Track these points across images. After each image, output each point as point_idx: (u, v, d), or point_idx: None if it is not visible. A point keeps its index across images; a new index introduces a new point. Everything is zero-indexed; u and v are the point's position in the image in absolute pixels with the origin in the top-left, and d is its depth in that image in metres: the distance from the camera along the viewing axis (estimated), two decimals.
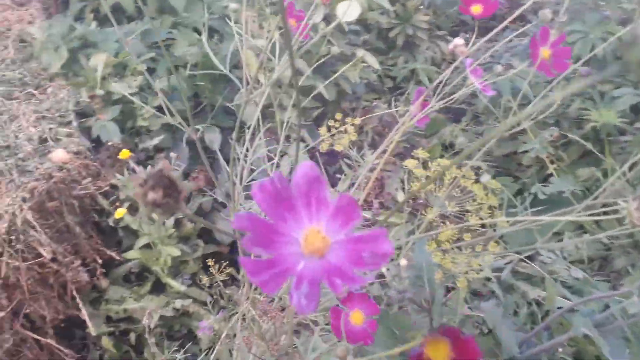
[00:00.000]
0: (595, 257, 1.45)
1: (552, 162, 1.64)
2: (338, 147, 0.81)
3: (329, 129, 0.84)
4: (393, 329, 0.65)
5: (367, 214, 1.51)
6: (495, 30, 0.68)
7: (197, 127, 1.75)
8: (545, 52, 0.72)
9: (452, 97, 0.74)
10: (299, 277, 0.31)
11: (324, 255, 0.32)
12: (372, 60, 1.73)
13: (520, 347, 0.68)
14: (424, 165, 0.74)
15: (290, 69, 0.39)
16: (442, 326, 0.45)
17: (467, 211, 0.67)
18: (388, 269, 0.58)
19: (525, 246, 1.51)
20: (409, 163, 0.75)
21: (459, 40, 0.77)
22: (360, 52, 1.83)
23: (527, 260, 1.40)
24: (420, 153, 0.75)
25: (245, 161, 0.86)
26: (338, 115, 0.83)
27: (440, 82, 0.81)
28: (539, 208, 0.99)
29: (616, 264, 1.41)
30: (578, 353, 1.00)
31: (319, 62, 1.42)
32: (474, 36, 0.79)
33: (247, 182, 0.92)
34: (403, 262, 0.57)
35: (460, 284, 0.62)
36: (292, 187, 0.33)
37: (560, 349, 0.78)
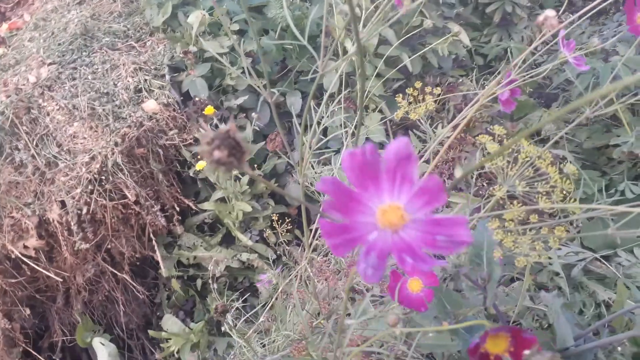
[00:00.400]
0: None
1: None
2: (413, 116, 0.79)
3: (406, 97, 0.83)
4: (445, 303, 0.65)
5: None
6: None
7: (277, 90, 1.78)
8: None
9: (535, 72, 0.70)
10: (368, 247, 0.32)
11: (397, 231, 0.33)
12: (464, 36, 1.67)
13: (577, 341, 0.66)
14: (500, 142, 0.72)
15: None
16: (505, 325, 0.45)
17: (538, 193, 0.64)
18: None
19: (604, 247, 1.43)
20: (483, 138, 0.72)
21: (550, 12, 0.72)
22: (456, 27, 1.77)
23: (602, 260, 1.32)
24: (497, 129, 0.72)
25: (318, 126, 0.87)
26: (417, 84, 0.81)
27: (531, 61, 0.77)
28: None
29: None
30: (635, 354, 0.94)
31: (408, 34, 1.39)
32: (579, 17, 0.73)
33: (316, 149, 0.93)
34: None
35: (519, 264, 0.60)
36: (382, 161, 0.33)
37: (619, 348, 0.74)
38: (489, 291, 0.60)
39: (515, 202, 0.66)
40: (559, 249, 1.44)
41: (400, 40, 1.27)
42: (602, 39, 1.87)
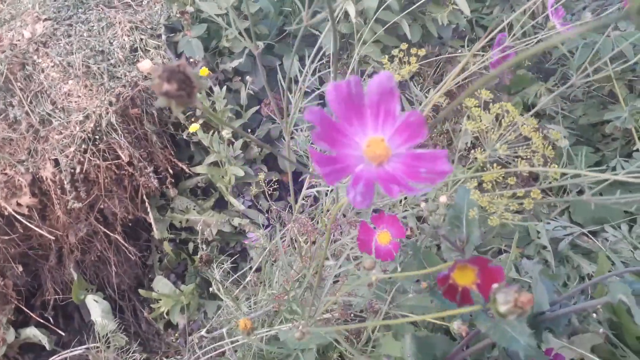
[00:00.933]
0: None
1: None
2: (397, 77, 0.79)
3: (392, 58, 0.83)
4: (425, 265, 0.66)
5: None
6: None
7: (274, 52, 1.76)
8: None
9: (526, 39, 0.70)
10: (356, 177, 0.33)
11: (382, 163, 0.34)
12: (463, 4, 1.64)
13: (553, 306, 0.67)
14: (486, 106, 0.72)
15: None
16: (472, 256, 0.46)
17: (519, 157, 0.64)
18: (426, 203, 0.58)
19: (591, 223, 1.45)
20: (469, 101, 0.72)
21: None
22: None
23: (589, 235, 1.34)
24: (484, 94, 0.72)
25: (304, 88, 0.87)
26: (403, 45, 0.81)
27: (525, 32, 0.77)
28: (623, 196, 0.94)
29: None
30: (615, 326, 0.97)
31: (409, 1, 1.37)
32: None
33: (302, 106, 0.93)
34: (443, 198, 0.58)
35: (492, 223, 0.61)
36: (365, 95, 0.34)
37: (594, 314, 0.76)
38: (466, 252, 0.61)
39: (495, 166, 0.66)
40: (548, 223, 1.46)
41: (401, 8, 1.25)
42: (604, 14, 1.85)
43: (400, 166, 0.33)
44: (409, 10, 1.67)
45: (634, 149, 1.55)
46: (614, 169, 1.45)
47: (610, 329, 1.01)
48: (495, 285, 0.36)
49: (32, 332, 1.37)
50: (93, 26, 1.71)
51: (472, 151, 0.68)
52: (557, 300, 0.69)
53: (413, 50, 0.84)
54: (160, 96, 0.28)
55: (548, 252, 1.31)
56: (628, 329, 1.01)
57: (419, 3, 1.54)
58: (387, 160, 0.33)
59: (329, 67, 1.03)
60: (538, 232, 1.37)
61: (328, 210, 0.74)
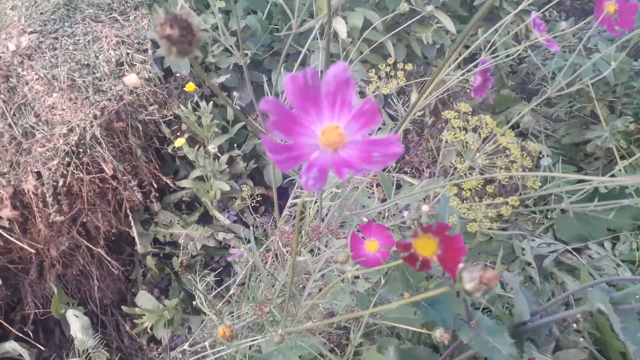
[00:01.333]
0: None
1: (622, 158, 1.54)
2: (384, 91, 0.80)
3: (379, 73, 0.84)
4: (408, 276, 0.66)
5: (415, 181, 1.50)
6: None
7: (262, 67, 1.77)
8: (610, 6, 0.68)
9: (499, 54, 0.71)
10: (310, 164, 0.34)
11: (337, 150, 0.35)
12: (448, 22, 1.67)
13: (534, 317, 0.68)
14: (465, 119, 0.73)
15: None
16: (432, 225, 0.46)
17: (498, 167, 0.65)
18: (409, 212, 0.58)
19: (575, 240, 1.46)
20: (449, 114, 0.73)
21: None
22: (442, 16, 1.77)
23: (573, 252, 1.35)
24: (462, 106, 0.73)
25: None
26: (390, 60, 0.82)
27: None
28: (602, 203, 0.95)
29: None
30: (599, 342, 0.97)
31: (395, 22, 1.39)
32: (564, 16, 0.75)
33: None
34: (425, 207, 0.58)
35: (471, 228, 0.62)
36: (322, 85, 0.34)
37: (574, 325, 0.76)
38: None
39: (474, 174, 0.67)
40: (533, 240, 1.47)
41: (387, 27, 1.27)
42: (586, 37, 1.89)
43: (355, 152, 0.35)
44: (393, 29, 1.69)
45: (616, 168, 1.57)
46: (596, 188, 1.47)
47: (594, 345, 1.02)
48: (460, 265, 0.36)
49: (11, 347, 1.34)
50: (79, 40, 1.71)
51: (453, 161, 0.69)
52: (538, 310, 0.70)
53: (400, 66, 0.85)
54: (162, 40, 0.28)
55: (533, 269, 1.32)
56: (611, 345, 1.01)
57: (404, 24, 1.56)
58: (342, 147, 0.35)
59: None
60: (523, 249, 1.38)
61: (312, 221, 0.74)
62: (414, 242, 0.45)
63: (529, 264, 1.35)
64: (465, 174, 0.67)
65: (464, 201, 0.63)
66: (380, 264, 0.58)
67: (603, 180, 0.56)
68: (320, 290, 0.65)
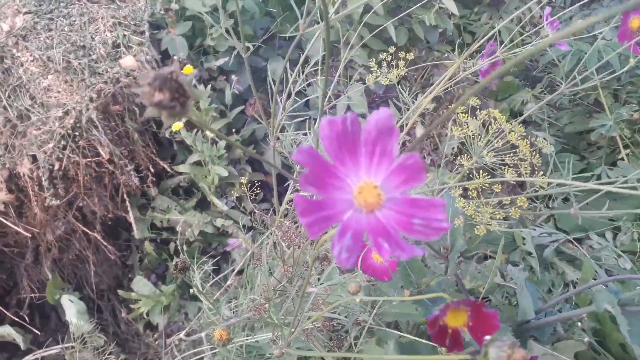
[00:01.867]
0: None
1: (625, 147, 1.53)
2: (385, 81, 0.78)
3: (380, 62, 0.81)
4: (409, 272, 0.64)
5: None
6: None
7: (259, 54, 1.74)
8: (635, 21, 0.64)
9: (516, 49, 0.69)
10: (343, 227, 0.30)
11: (374, 211, 0.31)
12: (450, 3, 1.64)
13: (538, 314, 0.66)
14: (473, 112, 0.71)
15: None
16: (465, 299, 0.44)
17: (506, 164, 0.63)
18: None
19: (577, 230, 1.45)
20: (456, 108, 0.71)
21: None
22: None
23: (574, 242, 1.34)
24: (472, 101, 0.71)
25: (292, 91, 0.85)
26: (391, 49, 0.80)
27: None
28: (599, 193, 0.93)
29: None
30: (599, 333, 0.96)
31: (396, 5, 1.36)
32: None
33: (294, 115, 0.91)
34: None
35: (478, 232, 0.60)
36: (362, 132, 0.31)
37: (579, 323, 0.75)
38: (450, 260, 0.60)
39: (481, 173, 0.65)
40: (534, 229, 1.46)
41: (389, 12, 1.24)
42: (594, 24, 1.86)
43: (393, 214, 0.31)
44: (394, 13, 1.66)
45: (619, 157, 1.55)
46: (599, 177, 1.45)
47: (594, 336, 1.01)
48: (487, 337, 0.33)
49: (6, 331, 1.33)
50: (75, 21, 1.68)
51: (459, 157, 0.67)
52: (542, 308, 0.68)
53: (401, 54, 0.83)
54: (151, 107, 0.25)
55: (533, 259, 1.31)
56: (611, 337, 1.00)
57: (406, 6, 1.53)
58: (379, 207, 0.31)
59: (316, 72, 1.02)
60: (523, 238, 1.37)
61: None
62: (445, 317, 0.43)
63: (530, 253, 1.34)
64: (472, 172, 0.66)
65: (470, 201, 0.61)
66: (389, 275, 0.56)
67: (612, 186, 0.54)
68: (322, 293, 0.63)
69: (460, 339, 0.44)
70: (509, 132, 0.65)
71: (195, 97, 0.28)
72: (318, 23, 1.51)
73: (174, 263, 0.60)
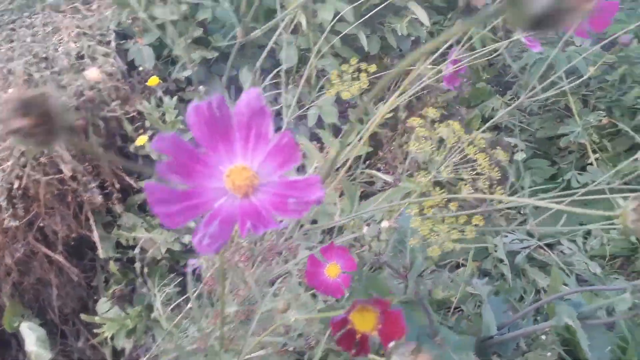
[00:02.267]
0: (618, 254, 1.37)
1: (594, 152, 1.53)
2: (345, 95, 0.76)
3: (340, 75, 0.80)
4: (370, 290, 0.62)
5: (388, 178, 1.46)
6: None
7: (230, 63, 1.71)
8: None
9: (476, 52, 0.68)
10: (212, 215, 0.29)
11: (248, 195, 0.30)
12: (421, 14, 1.63)
13: (502, 329, 0.65)
14: (432, 124, 0.69)
15: None
16: (372, 297, 0.42)
17: (462, 179, 0.62)
18: (368, 227, 0.55)
19: (549, 235, 1.45)
20: (413, 121, 0.69)
21: None
22: (417, 9, 1.73)
23: (545, 248, 1.34)
24: (430, 112, 0.69)
25: None
26: (353, 60, 0.78)
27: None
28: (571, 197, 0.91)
29: (638, 264, 1.33)
30: (571, 343, 0.95)
31: (368, 12, 1.34)
32: None
33: None
34: (385, 223, 0.54)
35: (432, 253, 0.59)
36: (233, 116, 0.30)
37: (543, 337, 0.74)
38: (410, 280, 0.58)
39: (438, 189, 0.63)
40: (506, 235, 1.45)
41: (360, 20, 1.22)
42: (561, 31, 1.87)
43: (269, 197, 0.30)
44: (366, 21, 1.64)
45: (588, 162, 1.56)
46: (568, 181, 1.45)
47: (564, 345, 1.00)
48: (392, 344, 0.32)
49: None
50: (38, 31, 1.63)
51: (415, 174, 0.65)
52: (506, 323, 0.67)
53: (363, 66, 0.81)
54: (10, 134, 0.23)
55: (505, 266, 1.30)
56: (579, 344, 1.00)
57: (376, 13, 1.52)
58: (254, 191, 0.30)
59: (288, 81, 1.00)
60: (495, 245, 1.37)
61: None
62: (351, 317, 0.41)
63: (501, 260, 1.34)
64: (429, 188, 0.64)
65: (425, 221, 0.60)
66: (342, 292, 0.54)
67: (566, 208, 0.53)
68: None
69: (367, 344, 0.42)
70: (467, 145, 0.63)
71: (65, 122, 0.26)
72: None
73: (110, 292, 0.57)
